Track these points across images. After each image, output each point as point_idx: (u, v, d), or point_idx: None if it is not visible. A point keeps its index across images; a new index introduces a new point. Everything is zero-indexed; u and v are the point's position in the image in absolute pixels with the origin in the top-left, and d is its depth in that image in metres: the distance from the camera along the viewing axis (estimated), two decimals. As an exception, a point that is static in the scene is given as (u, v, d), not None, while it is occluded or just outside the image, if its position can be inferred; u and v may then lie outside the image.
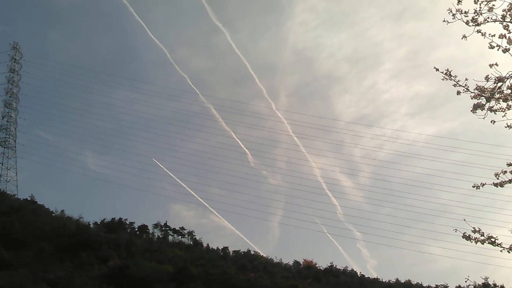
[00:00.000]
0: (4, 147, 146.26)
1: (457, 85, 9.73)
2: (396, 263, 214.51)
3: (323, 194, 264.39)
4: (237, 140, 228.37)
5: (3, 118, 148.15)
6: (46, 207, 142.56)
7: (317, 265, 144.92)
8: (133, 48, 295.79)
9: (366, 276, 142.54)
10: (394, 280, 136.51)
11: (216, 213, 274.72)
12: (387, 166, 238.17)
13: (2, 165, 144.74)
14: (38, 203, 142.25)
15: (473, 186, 11.31)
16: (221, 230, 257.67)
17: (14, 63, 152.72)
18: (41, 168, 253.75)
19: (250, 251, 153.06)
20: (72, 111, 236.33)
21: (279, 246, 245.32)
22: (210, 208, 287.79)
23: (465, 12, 9.19)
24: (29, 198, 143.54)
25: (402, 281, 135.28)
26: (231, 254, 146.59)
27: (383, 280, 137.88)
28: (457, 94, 9.75)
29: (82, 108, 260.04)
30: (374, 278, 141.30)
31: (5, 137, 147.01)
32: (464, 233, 11.27)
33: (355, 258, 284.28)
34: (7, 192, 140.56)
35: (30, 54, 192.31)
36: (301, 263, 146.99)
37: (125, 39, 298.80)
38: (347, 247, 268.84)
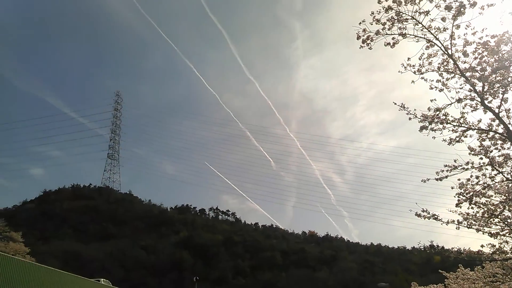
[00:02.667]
0: (112, 159, 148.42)
1: (409, 113, 9.79)
2: (371, 232, 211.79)
3: (321, 187, 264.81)
4: (264, 152, 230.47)
5: (110, 140, 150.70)
6: (139, 198, 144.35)
7: (317, 234, 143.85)
8: (195, 93, 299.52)
9: (351, 241, 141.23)
10: (370, 244, 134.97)
11: (251, 200, 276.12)
12: (364, 168, 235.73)
13: (110, 171, 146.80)
14: (134, 195, 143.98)
15: (422, 180, 11.38)
16: (253, 212, 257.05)
17: (117, 104, 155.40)
18: (136, 172, 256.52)
19: (272, 225, 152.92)
20: (156, 135, 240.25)
21: (293, 221, 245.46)
22: (246, 197, 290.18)
23: (413, 65, 9.22)
24: (128, 193, 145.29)
25: (375, 244, 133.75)
26: (260, 227, 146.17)
27: (362, 244, 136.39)
28: (409, 120, 9.81)
29: (162, 132, 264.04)
30: (357, 242, 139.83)
31: (112, 153, 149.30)
32: (416, 212, 11.38)
33: (344, 230, 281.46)
34: (114, 189, 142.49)
35: (128, 98, 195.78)
36: (307, 233, 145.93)
37: (189, 88, 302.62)
38: (338, 222, 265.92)
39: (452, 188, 10.87)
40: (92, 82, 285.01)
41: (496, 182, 10.61)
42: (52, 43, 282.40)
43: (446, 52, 9.00)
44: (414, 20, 8.66)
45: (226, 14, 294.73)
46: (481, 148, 10.06)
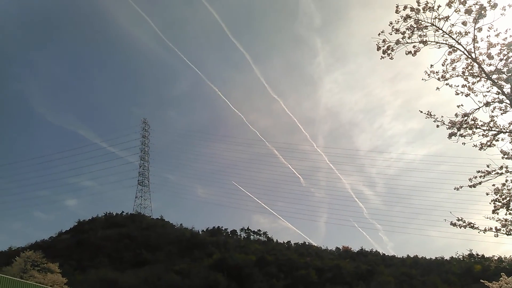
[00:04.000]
0: (142, 186, 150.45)
1: (436, 121, 9.63)
2: (406, 244, 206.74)
3: (353, 201, 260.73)
4: (293, 169, 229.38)
5: (140, 167, 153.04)
6: (171, 222, 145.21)
7: (352, 249, 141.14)
8: (221, 116, 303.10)
9: (387, 254, 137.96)
10: (406, 256, 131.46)
11: (282, 219, 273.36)
12: (395, 178, 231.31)
13: (142, 197, 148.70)
14: (165, 220, 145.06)
15: (455, 188, 11.12)
16: (285, 230, 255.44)
17: (145, 131, 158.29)
18: (167, 197, 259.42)
19: (305, 242, 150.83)
20: (184, 159, 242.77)
21: (326, 238, 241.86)
22: (277, 215, 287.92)
23: (436, 72, 9.11)
24: (159, 218, 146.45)
25: (412, 256, 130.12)
26: (293, 245, 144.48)
27: (399, 257, 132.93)
28: (437, 127, 9.65)
29: (192, 157, 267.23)
30: (392, 255, 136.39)
31: (142, 179, 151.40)
32: (451, 221, 11.11)
33: (379, 243, 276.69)
34: (146, 215, 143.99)
35: (156, 125, 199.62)
36: (341, 248, 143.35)
37: (215, 111, 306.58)
38: (372, 236, 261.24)
39: (487, 194, 10.53)
40: (120, 111, 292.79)
41: (533, 185, 10.23)
42: (81, 77, 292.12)
43: (469, 56, 8.84)
44: (434, 27, 8.57)
45: (247, 37, 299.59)
46: (514, 151, 9.74)
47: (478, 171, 10.04)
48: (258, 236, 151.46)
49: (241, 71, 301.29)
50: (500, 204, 10.42)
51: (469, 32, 8.43)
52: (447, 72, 9.15)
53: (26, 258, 49.39)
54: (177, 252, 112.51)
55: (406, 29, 8.67)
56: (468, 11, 8.05)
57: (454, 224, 11.08)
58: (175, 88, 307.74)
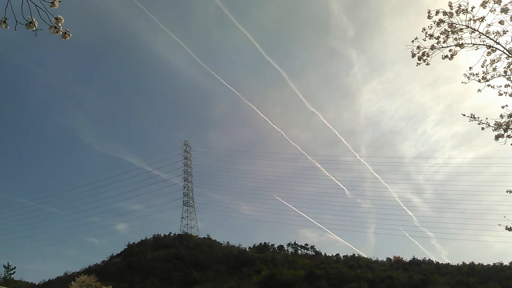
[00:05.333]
0: (187, 206, 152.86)
1: (480, 123, 9.38)
2: (461, 251, 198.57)
3: (401, 209, 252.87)
4: (337, 181, 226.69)
5: (184, 188, 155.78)
6: (218, 241, 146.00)
7: (403, 259, 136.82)
8: (261, 133, 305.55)
9: (441, 263, 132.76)
10: (461, 263, 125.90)
11: (329, 232, 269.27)
12: (443, 184, 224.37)
13: (187, 217, 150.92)
14: (212, 239, 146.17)
15: (507, 191, 10.71)
16: (334, 243, 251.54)
17: (187, 153, 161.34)
18: (213, 216, 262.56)
19: (355, 254, 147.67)
20: (228, 177, 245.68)
21: (375, 248, 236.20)
22: (324, 228, 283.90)
23: (476, 74, 8.90)
24: (206, 237, 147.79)
25: (468, 263, 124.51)
26: (342, 258, 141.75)
27: (454, 264, 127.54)
28: (482, 129, 9.39)
29: (235, 175, 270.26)
30: (447, 263, 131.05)
31: (187, 200, 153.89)
32: (506, 226, 10.63)
33: (431, 251, 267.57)
34: (193, 234, 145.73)
35: (197, 146, 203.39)
36: (392, 259, 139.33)
37: (255, 129, 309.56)
38: (424, 244, 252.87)
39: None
40: (162, 136, 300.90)
41: None
42: (124, 106, 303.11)
43: (510, 55, 8.57)
44: (469, 29, 8.39)
45: (281, 54, 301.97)
46: None
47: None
48: (305, 250, 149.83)
49: (277, 88, 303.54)
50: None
51: (507, 31, 8.20)
52: (488, 73, 8.91)
53: (81, 282, 51.27)
54: (225, 270, 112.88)
55: (441, 33, 8.54)
56: (505, 10, 7.85)
57: (509, 229, 10.62)
58: (214, 110, 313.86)
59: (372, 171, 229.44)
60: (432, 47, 8.67)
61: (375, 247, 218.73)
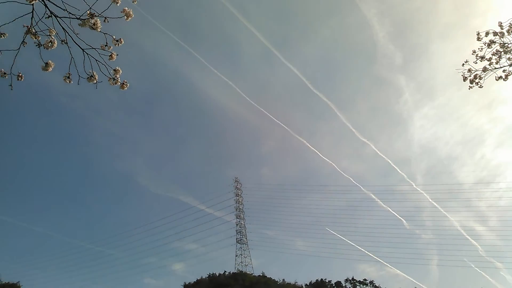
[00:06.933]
0: (241, 244, 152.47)
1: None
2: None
3: (464, 239, 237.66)
4: (393, 212, 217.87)
5: (236, 225, 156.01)
6: (273, 278, 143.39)
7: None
8: (312, 166, 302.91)
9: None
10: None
11: (389, 265, 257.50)
12: (508, 209, 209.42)
13: (241, 255, 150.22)
14: (267, 276, 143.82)
15: None
16: (394, 277, 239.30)
17: (238, 190, 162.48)
18: (267, 253, 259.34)
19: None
20: (281, 213, 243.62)
21: (440, 281, 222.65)
22: (383, 262, 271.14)
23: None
24: (261, 275, 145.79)
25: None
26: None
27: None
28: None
29: (288, 210, 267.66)
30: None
31: (241, 237, 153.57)
32: None
33: (501, 282, 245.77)
34: (248, 272, 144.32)
35: (249, 183, 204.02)
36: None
37: (306, 162, 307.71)
38: (492, 275, 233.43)
39: None
40: (215, 174, 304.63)
41: None
42: (177, 148, 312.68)
43: None
44: (523, 47, 8.10)
45: (329, 87, 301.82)
46: None
47: None
48: (364, 285, 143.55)
49: (326, 120, 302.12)
50: None
51: None
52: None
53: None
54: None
55: (492, 54, 8.29)
56: (560, 25, 7.54)
57: None
58: (264, 146, 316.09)
59: (430, 200, 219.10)
60: (484, 69, 8.41)
61: (439, 279, 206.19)
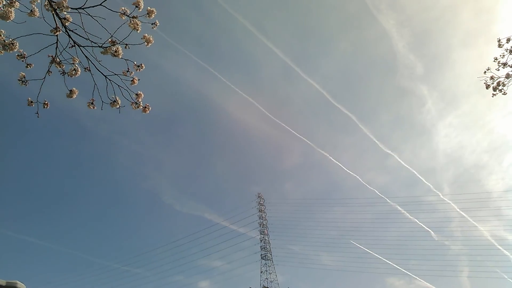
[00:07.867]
0: (265, 260, 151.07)
1: None
2: None
3: (495, 249, 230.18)
4: (421, 224, 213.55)
5: (261, 241, 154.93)
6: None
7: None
8: (336, 180, 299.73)
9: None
10: None
11: (418, 278, 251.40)
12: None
13: (266, 271, 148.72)
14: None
15: None
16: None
17: (261, 206, 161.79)
18: (293, 268, 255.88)
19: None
20: (306, 227, 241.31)
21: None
22: (412, 275, 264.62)
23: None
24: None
25: None
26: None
27: None
28: None
29: (313, 225, 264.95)
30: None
31: (265, 253, 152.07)
32: None
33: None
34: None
35: (273, 198, 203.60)
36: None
37: (330, 176, 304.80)
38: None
39: None
40: (239, 191, 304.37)
41: None
42: (202, 166, 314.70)
43: None
44: (546, 52, 7.94)
45: (350, 99, 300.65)
46: None
47: None
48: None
49: (349, 133, 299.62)
50: None
51: None
52: None
53: None
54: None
55: (515, 60, 8.15)
56: None
57: None
58: (287, 161, 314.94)
59: (458, 210, 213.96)
60: (508, 76, 8.27)
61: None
